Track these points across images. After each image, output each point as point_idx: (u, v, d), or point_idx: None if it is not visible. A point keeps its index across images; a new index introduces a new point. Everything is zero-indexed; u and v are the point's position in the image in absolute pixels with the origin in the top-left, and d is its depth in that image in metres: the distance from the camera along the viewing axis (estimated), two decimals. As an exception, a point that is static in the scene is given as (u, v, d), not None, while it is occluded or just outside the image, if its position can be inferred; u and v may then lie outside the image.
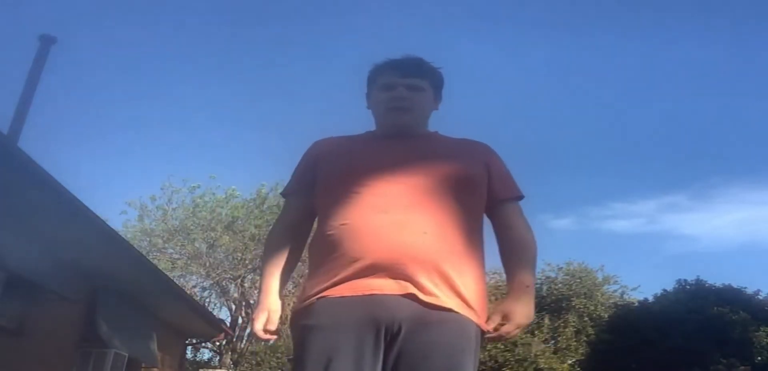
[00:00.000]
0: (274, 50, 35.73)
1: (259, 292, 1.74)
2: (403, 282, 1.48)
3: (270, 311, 1.67)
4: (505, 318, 1.60)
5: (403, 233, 1.51)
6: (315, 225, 1.75)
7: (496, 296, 18.46)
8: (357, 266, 1.50)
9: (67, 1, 29.37)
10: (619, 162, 38.29)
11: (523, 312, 1.60)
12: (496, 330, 1.60)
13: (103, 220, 6.79)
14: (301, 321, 1.56)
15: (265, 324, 1.66)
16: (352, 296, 1.49)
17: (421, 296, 1.47)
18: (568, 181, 37.60)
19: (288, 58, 35.13)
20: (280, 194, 1.86)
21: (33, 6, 23.78)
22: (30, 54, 7.68)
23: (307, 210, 1.77)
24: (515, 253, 1.68)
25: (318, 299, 1.53)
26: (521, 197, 1.76)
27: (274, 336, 1.70)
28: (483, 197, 1.69)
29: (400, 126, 1.75)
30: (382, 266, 1.49)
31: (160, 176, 28.14)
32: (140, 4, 31.70)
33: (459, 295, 1.52)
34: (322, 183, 1.71)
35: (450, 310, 1.49)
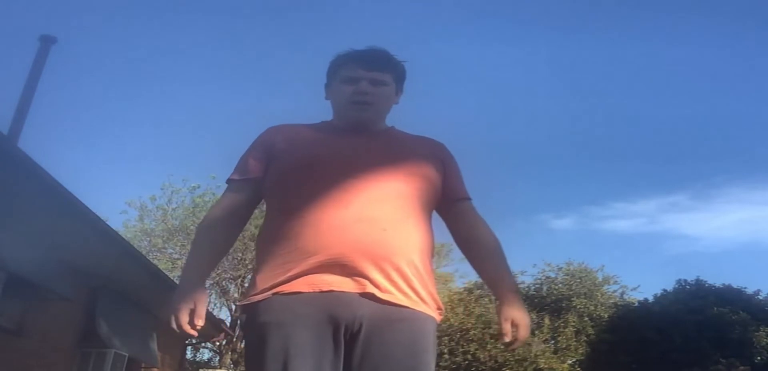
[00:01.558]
0: (274, 49, 35.72)
1: (182, 278, 1.61)
2: (361, 280, 1.47)
3: (196, 302, 1.52)
4: (515, 325, 1.59)
5: (363, 229, 1.48)
6: (266, 216, 1.67)
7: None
8: (314, 260, 1.47)
9: (67, 1, 29.37)
10: (620, 162, 38.31)
11: (523, 316, 1.61)
12: (512, 338, 1.60)
13: (103, 220, 6.79)
14: (257, 317, 1.48)
15: (193, 317, 1.51)
16: (310, 292, 1.45)
17: (378, 294, 1.46)
18: (569, 181, 37.61)
19: (288, 56, 35.13)
20: (226, 181, 1.72)
21: (33, 6, 23.77)
22: (30, 54, 7.69)
23: (251, 199, 1.69)
24: (492, 255, 1.69)
25: (273, 294, 1.48)
26: (464, 198, 1.77)
27: (196, 333, 1.53)
28: (437, 194, 1.69)
29: (362, 121, 1.72)
30: (341, 262, 1.46)
31: (160, 176, 28.14)
32: (140, 4, 31.70)
33: (416, 292, 1.52)
34: (278, 173, 1.64)
35: (408, 308, 1.49)
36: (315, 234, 1.49)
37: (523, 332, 1.60)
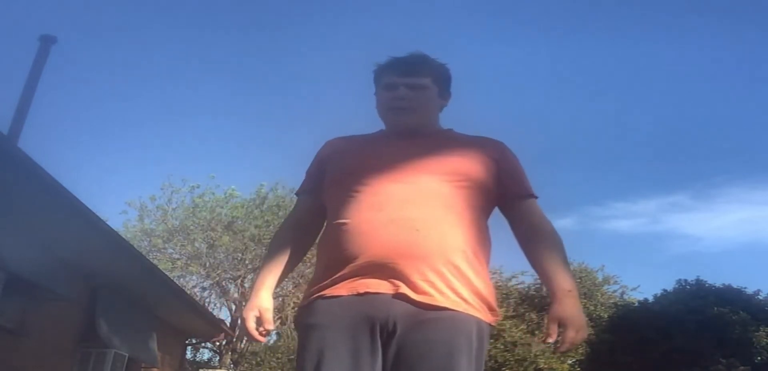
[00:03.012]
0: (274, 49, 35.73)
1: (252, 287, 1.71)
2: (395, 281, 1.48)
3: (261, 309, 1.63)
4: (562, 325, 1.53)
5: (395, 230, 1.50)
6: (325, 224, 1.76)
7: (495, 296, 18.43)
8: (353, 265, 1.51)
9: (67, 1, 29.37)
10: (621, 162, 38.29)
11: (575, 316, 1.53)
12: (559, 339, 1.54)
13: (103, 220, 6.80)
14: (302, 319, 1.58)
15: (260, 324, 1.63)
16: (347, 295, 1.51)
17: (412, 295, 1.47)
18: (570, 181, 37.57)
19: (289, 56, 35.13)
20: (295, 193, 1.88)
21: (33, 6, 23.78)
22: (30, 54, 7.68)
23: (316, 209, 1.78)
24: (546, 254, 1.64)
25: (316, 298, 1.55)
26: (534, 196, 1.74)
27: (265, 339, 1.66)
28: (488, 194, 1.67)
29: (402, 126, 1.74)
30: (376, 264, 1.49)
31: (160, 176, 28.12)
32: (140, 4, 31.71)
33: (455, 291, 1.50)
34: (329, 182, 1.72)
35: (444, 308, 1.47)
36: (352, 239, 1.54)
37: (571, 334, 1.51)
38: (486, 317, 1.56)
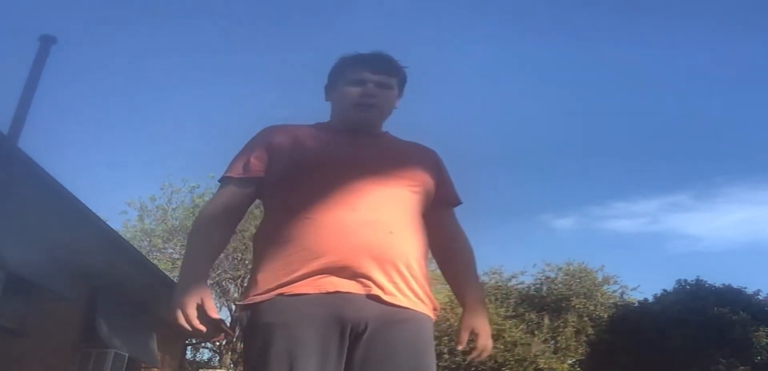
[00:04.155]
0: (274, 49, 35.73)
1: (182, 275, 1.55)
2: (366, 282, 1.48)
3: (203, 296, 1.47)
4: (474, 334, 1.68)
5: (370, 232, 1.51)
6: (265, 215, 1.68)
7: (496, 296, 18.47)
8: (321, 262, 1.47)
9: (67, 1, 29.38)
10: (621, 162, 38.27)
11: (487, 327, 1.69)
12: (469, 347, 1.68)
13: (103, 220, 6.80)
14: (260, 317, 1.47)
15: (205, 312, 1.46)
16: (316, 293, 1.46)
17: (383, 296, 1.48)
18: (570, 180, 37.58)
19: (289, 55, 35.14)
20: (219, 179, 1.69)
21: (33, 6, 23.78)
22: (30, 54, 7.68)
23: (248, 198, 1.67)
24: (465, 265, 1.77)
25: (278, 295, 1.47)
26: (459, 203, 1.83)
27: (204, 328, 1.46)
28: (430, 200, 1.72)
29: (366, 123, 1.74)
30: (347, 264, 1.47)
31: (160, 176, 28.14)
32: (140, 4, 31.71)
33: (415, 293, 1.55)
34: (280, 171, 1.62)
35: (409, 309, 1.52)
36: (320, 235, 1.49)
37: (483, 341, 1.67)
38: (433, 316, 1.63)
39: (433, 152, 1.84)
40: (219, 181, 1.70)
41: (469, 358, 1.74)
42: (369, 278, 1.48)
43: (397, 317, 1.49)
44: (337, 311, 1.45)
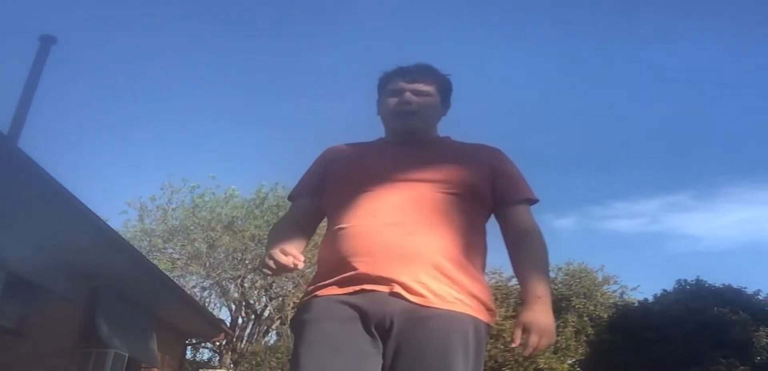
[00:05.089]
0: (274, 49, 35.73)
1: (268, 245, 1.68)
2: (388, 282, 1.51)
3: (285, 246, 1.55)
4: (526, 331, 1.57)
5: (388, 234, 1.56)
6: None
7: (496, 296, 18.45)
8: (348, 267, 1.56)
9: (67, 1, 29.38)
10: (621, 161, 38.32)
11: (539, 322, 1.56)
12: (522, 344, 1.57)
13: (103, 220, 6.80)
14: (297, 317, 1.62)
15: (285, 251, 1.52)
16: (343, 292, 1.55)
17: (406, 295, 1.50)
18: (571, 180, 37.60)
19: (289, 57, 35.13)
20: (287, 198, 1.90)
21: (33, 6, 23.77)
22: (30, 54, 7.68)
23: (312, 213, 1.81)
24: (525, 261, 1.70)
25: (312, 297, 1.60)
26: (532, 201, 1.77)
27: (295, 265, 1.51)
28: (483, 200, 1.71)
29: (407, 130, 1.79)
30: (369, 266, 1.53)
31: (160, 176, 28.12)
32: (140, 4, 31.70)
33: (449, 293, 1.53)
34: (330, 188, 1.77)
35: (435, 307, 1.50)
36: (348, 242, 1.59)
37: (534, 339, 1.55)
38: (483, 316, 1.58)
39: (491, 151, 1.82)
40: (287, 199, 1.92)
41: (525, 355, 1.65)
42: (391, 279, 1.51)
43: (423, 314, 1.49)
44: (363, 306, 1.51)
